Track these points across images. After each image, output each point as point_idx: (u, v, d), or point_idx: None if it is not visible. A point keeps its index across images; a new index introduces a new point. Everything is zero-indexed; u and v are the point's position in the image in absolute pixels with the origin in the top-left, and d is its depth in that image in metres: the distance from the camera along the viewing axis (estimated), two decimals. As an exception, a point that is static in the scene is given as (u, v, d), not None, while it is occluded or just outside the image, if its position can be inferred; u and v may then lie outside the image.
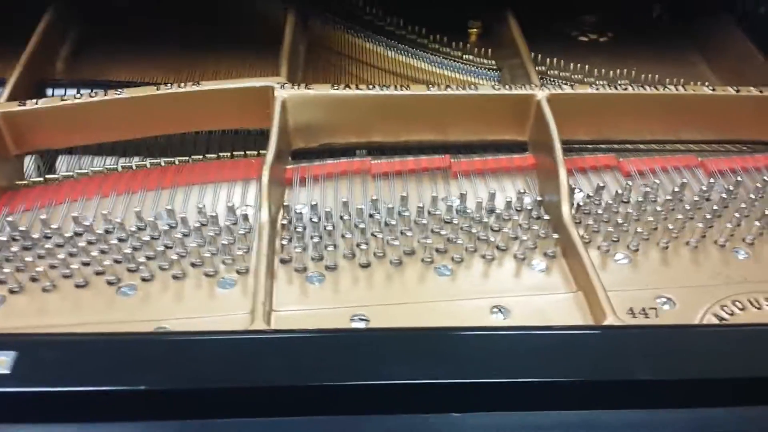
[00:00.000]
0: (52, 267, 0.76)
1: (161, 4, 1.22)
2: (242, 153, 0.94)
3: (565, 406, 0.58)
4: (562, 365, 0.58)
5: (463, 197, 0.86)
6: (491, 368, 0.58)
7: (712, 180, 0.90)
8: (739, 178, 0.90)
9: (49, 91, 1.03)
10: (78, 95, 0.91)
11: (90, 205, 0.85)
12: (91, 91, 0.92)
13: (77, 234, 0.80)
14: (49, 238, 0.79)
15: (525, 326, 0.70)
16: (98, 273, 0.76)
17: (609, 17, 1.30)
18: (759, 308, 0.75)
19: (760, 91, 0.97)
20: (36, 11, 1.09)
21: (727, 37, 1.17)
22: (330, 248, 0.79)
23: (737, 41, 1.15)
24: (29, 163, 0.98)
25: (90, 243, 0.79)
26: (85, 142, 0.94)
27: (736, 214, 0.85)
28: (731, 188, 0.88)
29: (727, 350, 0.60)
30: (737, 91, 0.97)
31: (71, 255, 0.77)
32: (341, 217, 0.83)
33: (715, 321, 0.73)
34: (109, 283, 0.75)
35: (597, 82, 1.13)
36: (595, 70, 1.15)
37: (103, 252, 0.78)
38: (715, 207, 0.86)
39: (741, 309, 0.74)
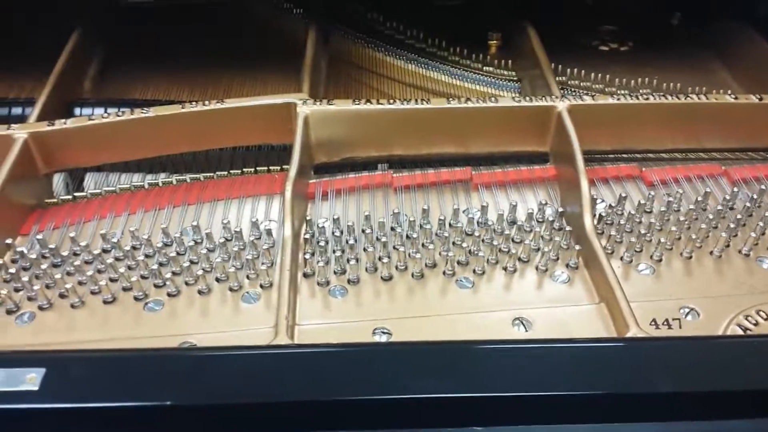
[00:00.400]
0: (81, 283, 0.78)
1: (185, 23, 1.24)
2: (266, 168, 0.96)
3: (588, 419, 0.58)
4: (585, 378, 0.58)
5: (484, 209, 0.86)
6: (513, 382, 0.58)
7: (735, 189, 0.89)
8: (762, 187, 0.89)
9: (77, 110, 1.05)
10: (105, 114, 0.93)
11: (118, 222, 0.87)
12: (118, 110, 0.94)
13: (105, 251, 0.82)
14: (78, 254, 0.81)
15: (547, 339, 0.70)
16: (126, 289, 0.77)
17: (628, 27, 1.29)
18: (785, 318, 0.74)
19: (784, 98, 0.96)
20: (64, 32, 1.12)
21: (746, 43, 1.16)
22: (352, 262, 0.80)
23: (757, 47, 1.14)
24: (58, 180, 1.00)
25: (117, 259, 0.81)
26: (112, 160, 0.96)
27: (761, 223, 0.84)
28: (755, 196, 0.88)
29: (751, 362, 0.60)
30: (760, 99, 0.96)
31: (99, 271, 0.79)
32: (363, 231, 0.83)
33: (740, 331, 0.72)
34: (136, 298, 0.77)
35: (618, 92, 1.13)
36: (616, 79, 1.15)
37: (130, 268, 0.80)
38: (738, 216, 0.85)
39: (766, 319, 0.74)
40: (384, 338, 0.73)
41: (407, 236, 0.84)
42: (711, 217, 0.85)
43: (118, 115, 0.92)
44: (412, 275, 0.80)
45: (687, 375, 0.59)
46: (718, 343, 0.65)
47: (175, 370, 0.59)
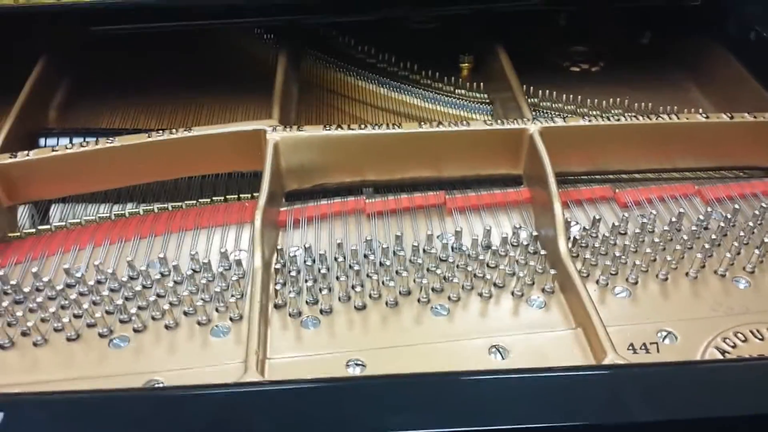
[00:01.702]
0: (44, 321, 0.75)
1: (154, 51, 1.22)
2: (236, 196, 0.94)
3: (567, 451, 0.57)
4: (562, 409, 0.57)
5: (458, 234, 0.85)
6: (491, 415, 0.57)
7: (709, 208, 0.89)
8: (736, 206, 0.89)
9: (42, 141, 1.03)
10: (69, 145, 0.90)
11: (82, 255, 0.84)
12: (83, 140, 0.92)
13: (69, 286, 0.79)
14: (41, 290, 0.79)
15: (523, 369, 0.68)
16: (90, 325, 0.75)
17: (599, 47, 1.30)
18: (762, 339, 0.73)
19: (755, 117, 0.97)
20: (28, 61, 1.10)
21: (717, 61, 1.17)
22: (325, 291, 0.78)
23: (728, 65, 1.14)
24: (23, 212, 0.98)
25: (82, 294, 0.78)
26: (77, 192, 0.94)
27: (735, 243, 0.84)
28: (729, 216, 0.87)
29: (730, 387, 0.59)
30: (731, 117, 0.96)
31: (63, 308, 0.77)
32: (335, 259, 0.82)
33: (718, 354, 0.71)
34: (101, 335, 0.74)
35: (590, 112, 1.13)
36: (588, 100, 1.15)
37: (95, 303, 0.77)
38: (713, 236, 0.85)
39: (743, 341, 0.73)
40: (358, 370, 0.71)
41: (381, 263, 0.82)
42: (686, 237, 0.85)
43: (83, 146, 0.89)
44: (386, 304, 0.78)
45: (666, 403, 0.58)
46: (696, 369, 0.64)
47: (140, 413, 0.57)
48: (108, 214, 0.91)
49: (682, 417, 0.57)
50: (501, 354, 0.73)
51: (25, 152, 0.89)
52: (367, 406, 0.58)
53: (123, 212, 0.91)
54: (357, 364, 0.71)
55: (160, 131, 0.92)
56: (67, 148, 0.90)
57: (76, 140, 0.94)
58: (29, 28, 1.13)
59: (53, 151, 0.89)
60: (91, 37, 1.15)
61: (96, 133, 1.01)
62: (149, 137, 0.91)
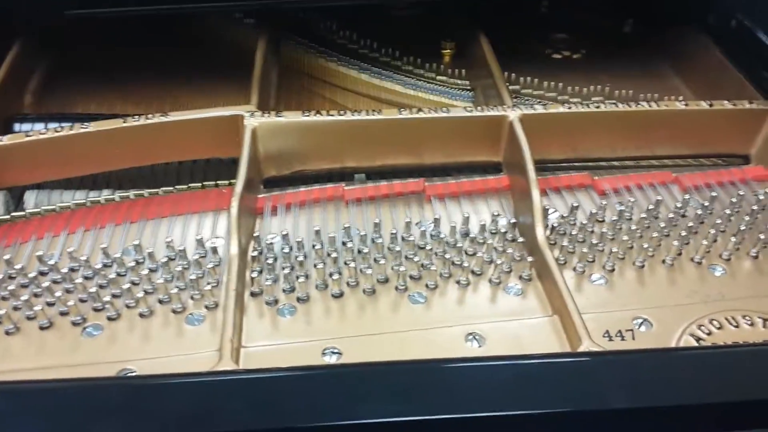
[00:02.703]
0: (16, 309, 0.74)
1: (130, 36, 1.21)
2: (213, 183, 0.93)
3: (541, 438, 0.57)
4: (537, 396, 0.57)
5: (436, 222, 0.85)
6: (467, 403, 0.57)
7: (687, 196, 0.89)
8: (714, 194, 0.89)
9: (17, 126, 1.01)
10: (44, 130, 0.89)
11: (56, 242, 0.83)
12: (58, 125, 0.91)
13: (41, 273, 0.78)
14: (13, 278, 0.78)
15: (499, 356, 0.68)
16: (63, 313, 0.74)
17: (581, 34, 1.30)
18: (737, 326, 0.74)
19: (734, 104, 0.97)
20: (2, 45, 1.08)
21: (699, 50, 1.17)
22: (302, 279, 0.78)
23: (709, 54, 1.14)
24: (-3, 199, 0.96)
25: (55, 282, 0.77)
26: (53, 178, 0.92)
27: (712, 230, 0.84)
28: (706, 204, 0.88)
29: (705, 375, 0.59)
30: (710, 105, 0.96)
31: (35, 295, 0.76)
32: (313, 246, 0.81)
33: (693, 341, 0.72)
34: (74, 323, 0.73)
35: (571, 100, 1.13)
36: (569, 87, 1.14)
37: (68, 291, 0.76)
38: (690, 224, 0.85)
39: (718, 328, 0.73)
40: (334, 358, 0.71)
41: (359, 251, 0.82)
42: (663, 225, 0.85)
43: (57, 131, 0.88)
44: (364, 291, 0.78)
45: (641, 390, 0.58)
46: (671, 356, 0.64)
47: (112, 401, 0.56)
48: (84, 201, 0.90)
49: (657, 404, 0.57)
50: (478, 341, 0.73)
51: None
52: (342, 394, 0.57)
53: (99, 199, 0.90)
54: (333, 353, 0.71)
55: (136, 117, 0.90)
56: (41, 134, 0.89)
57: (51, 125, 0.93)
58: (4, 12, 1.11)
59: (27, 136, 0.88)
60: (66, 20, 1.13)
61: (71, 118, 0.99)
62: (125, 122, 0.90)
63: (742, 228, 0.84)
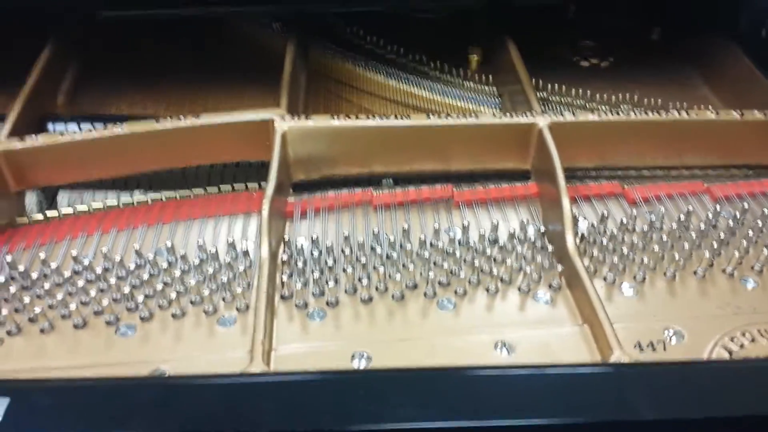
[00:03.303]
0: (51, 307, 0.75)
1: (162, 38, 1.22)
2: (243, 185, 0.94)
3: (572, 448, 0.57)
4: (566, 406, 0.57)
5: (465, 228, 0.85)
6: (496, 410, 0.57)
7: (718, 207, 0.89)
8: (746, 205, 0.88)
9: (50, 126, 1.03)
10: (77, 131, 0.90)
11: (90, 242, 0.85)
12: (91, 126, 0.92)
13: (76, 273, 0.79)
14: (48, 277, 0.79)
15: (529, 365, 0.68)
16: (97, 313, 0.75)
17: (609, 42, 1.29)
18: (769, 339, 0.73)
19: (765, 114, 0.96)
20: (36, 46, 1.09)
21: (728, 58, 1.17)
22: (331, 283, 0.78)
23: (739, 63, 1.14)
24: (31, 199, 0.98)
25: (89, 282, 0.78)
26: (85, 178, 0.94)
27: (744, 242, 0.83)
28: (738, 215, 0.87)
29: (736, 387, 0.59)
30: (741, 115, 0.96)
31: (70, 294, 0.77)
32: (342, 251, 0.82)
33: (725, 353, 0.71)
34: (108, 323, 0.74)
35: (599, 107, 1.12)
36: (597, 95, 1.14)
37: (102, 291, 0.77)
38: (722, 235, 0.84)
39: (751, 340, 0.73)
40: (363, 363, 0.71)
41: (387, 256, 0.82)
42: (694, 235, 0.84)
43: (91, 131, 0.89)
44: (392, 297, 0.78)
45: (670, 401, 0.58)
46: (703, 368, 0.64)
47: (145, 400, 0.57)
48: (116, 202, 0.91)
49: (688, 416, 0.57)
50: (507, 349, 0.72)
51: (33, 137, 0.89)
52: (371, 398, 0.58)
53: (131, 200, 0.91)
54: (362, 357, 0.71)
55: (168, 118, 0.91)
56: (75, 134, 0.90)
57: (84, 126, 0.94)
58: (38, 13, 1.13)
59: (61, 136, 0.89)
60: (101, 22, 1.15)
61: (104, 119, 1.01)
62: (157, 124, 0.90)
63: (775, 240, 0.83)
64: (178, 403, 0.58)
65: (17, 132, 0.92)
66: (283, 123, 0.92)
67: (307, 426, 0.56)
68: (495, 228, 0.85)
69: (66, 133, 0.90)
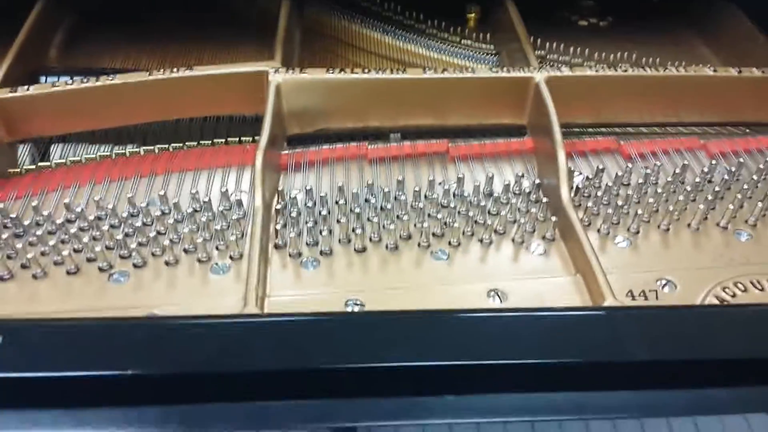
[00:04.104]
0: (43, 254, 0.75)
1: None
2: (237, 139, 0.93)
3: (563, 388, 0.57)
4: (558, 347, 0.57)
5: (460, 181, 0.85)
6: (486, 350, 0.57)
7: (714, 162, 0.89)
8: (741, 160, 0.88)
9: (43, 79, 1.02)
10: (69, 81, 0.89)
11: (82, 192, 0.84)
12: (84, 77, 0.91)
13: (69, 221, 0.79)
14: (41, 224, 0.78)
15: (520, 308, 0.69)
16: (90, 260, 0.75)
17: (608, 1, 1.28)
18: (761, 289, 0.73)
19: (763, 72, 0.96)
20: (29, -1, 1.08)
21: (727, 18, 1.16)
22: (325, 233, 0.78)
23: (738, 22, 1.13)
24: (23, 151, 0.97)
25: (82, 230, 0.78)
26: (77, 129, 0.93)
27: (738, 196, 0.83)
28: (733, 170, 0.87)
29: (725, 331, 0.59)
30: (739, 72, 0.95)
31: (63, 242, 0.76)
32: (336, 202, 0.81)
33: (717, 302, 0.71)
34: (101, 269, 0.74)
35: (597, 66, 1.11)
36: (595, 54, 1.13)
37: (94, 239, 0.77)
38: (717, 189, 0.84)
39: (743, 291, 0.73)
40: (356, 309, 0.71)
41: (382, 208, 0.82)
42: (689, 189, 0.84)
43: (83, 82, 0.88)
44: (386, 247, 0.78)
45: (661, 343, 0.58)
46: (692, 312, 0.64)
47: (137, 339, 0.57)
48: (108, 153, 0.90)
49: (679, 358, 0.57)
50: (500, 297, 0.73)
51: (25, 87, 0.88)
52: (364, 339, 0.58)
53: (123, 152, 0.91)
54: (356, 304, 0.71)
55: (162, 70, 0.90)
56: (67, 85, 0.89)
57: (77, 78, 0.93)
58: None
59: (53, 86, 0.88)
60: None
61: (97, 72, 0.98)
62: (150, 75, 0.90)
63: (769, 194, 0.83)
64: (170, 343, 0.57)
65: (8, 85, 0.91)
66: (278, 75, 0.91)
67: (301, 364, 0.56)
68: (490, 181, 0.85)
69: (58, 83, 0.89)
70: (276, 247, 0.78)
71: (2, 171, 0.88)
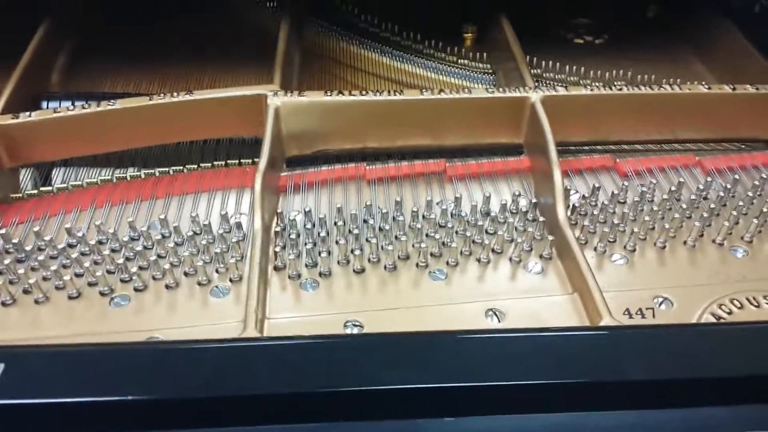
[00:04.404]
0: (45, 279, 0.76)
1: (157, 17, 1.22)
2: (236, 161, 0.94)
3: (560, 409, 0.58)
4: (556, 367, 0.58)
5: (458, 200, 0.85)
6: (484, 372, 0.57)
7: (709, 178, 0.89)
8: (736, 177, 0.89)
9: (45, 104, 1.03)
10: (71, 107, 0.91)
11: (84, 217, 0.85)
12: (85, 102, 0.92)
13: (70, 245, 0.80)
14: (43, 249, 0.79)
15: (519, 328, 0.69)
16: (91, 284, 0.75)
17: (604, 19, 1.29)
18: (758, 306, 0.74)
19: (757, 89, 0.96)
20: (31, 24, 1.09)
21: (722, 35, 1.17)
22: (324, 255, 0.79)
23: (733, 39, 1.14)
24: (25, 175, 0.98)
25: (83, 254, 0.79)
26: (79, 154, 0.94)
27: (734, 213, 0.84)
28: (729, 186, 0.88)
29: (723, 349, 0.59)
30: (733, 89, 0.96)
31: (64, 266, 0.77)
32: (335, 223, 0.82)
33: (713, 320, 0.72)
34: (102, 294, 0.75)
35: (593, 84, 1.13)
36: (591, 71, 1.14)
37: (96, 263, 0.78)
38: (712, 205, 0.85)
39: (739, 307, 0.73)
40: (356, 331, 0.71)
41: (380, 228, 0.82)
42: (684, 206, 0.85)
43: (84, 108, 0.90)
44: (385, 267, 0.79)
45: (658, 363, 0.58)
46: (689, 331, 0.65)
47: (138, 364, 0.58)
48: (109, 177, 0.91)
49: (676, 377, 0.58)
50: (497, 317, 0.73)
51: (27, 113, 0.89)
52: (363, 362, 0.58)
53: (124, 176, 0.92)
54: (355, 325, 0.72)
55: (162, 95, 0.92)
56: (68, 110, 0.90)
57: (78, 103, 0.94)
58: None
59: (55, 112, 0.89)
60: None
61: (98, 97, 1.00)
62: (150, 100, 0.91)
63: (765, 210, 0.83)
64: (170, 368, 0.58)
65: (11, 110, 0.92)
66: (276, 98, 0.92)
67: (299, 388, 0.56)
68: (487, 200, 0.86)
69: (60, 108, 0.91)
70: (275, 269, 0.78)
71: (4, 196, 0.89)
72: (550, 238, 0.80)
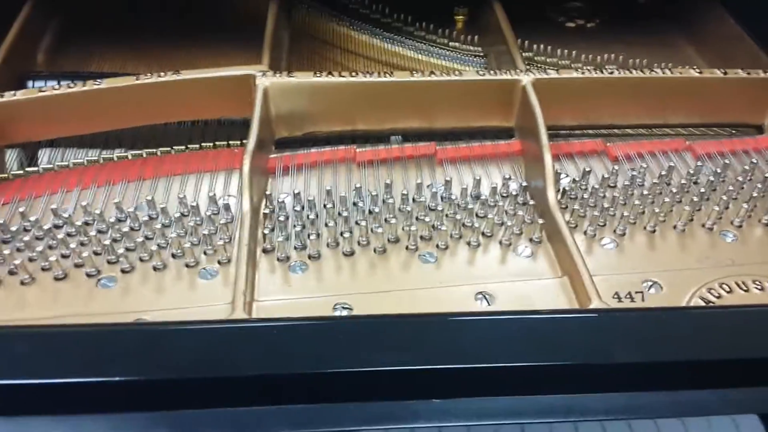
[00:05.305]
0: (31, 260, 0.75)
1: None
2: (225, 143, 0.93)
3: (549, 391, 0.58)
4: (545, 350, 0.58)
5: (448, 184, 0.85)
6: (472, 354, 0.57)
7: (699, 163, 0.89)
8: (726, 161, 0.89)
9: (30, 84, 1.01)
10: (56, 86, 0.89)
11: (70, 197, 0.84)
12: (71, 82, 0.91)
13: (56, 226, 0.79)
14: (28, 230, 0.78)
15: (508, 311, 0.69)
16: (78, 265, 0.75)
17: (596, 3, 1.29)
18: (746, 290, 0.74)
19: (748, 74, 0.96)
20: (16, 3, 1.07)
21: (713, 20, 1.16)
22: (313, 237, 0.78)
23: (724, 24, 1.14)
24: (11, 156, 0.97)
25: (69, 235, 0.78)
26: (65, 134, 0.93)
27: (724, 197, 0.84)
28: (719, 171, 0.88)
29: (711, 332, 0.60)
30: (724, 73, 0.96)
31: (50, 247, 0.76)
32: (324, 206, 0.82)
33: (702, 304, 0.72)
34: (89, 275, 0.74)
35: (584, 68, 1.12)
36: (583, 55, 1.14)
37: (82, 244, 0.77)
38: (702, 190, 0.85)
39: (728, 292, 0.74)
40: (345, 313, 0.71)
41: (370, 211, 0.82)
42: (675, 191, 0.85)
43: (70, 87, 0.88)
44: (375, 250, 0.79)
45: (647, 345, 0.58)
46: (678, 314, 0.65)
47: (125, 346, 0.57)
48: (96, 158, 0.90)
49: (664, 360, 0.58)
50: (487, 300, 0.73)
51: (12, 93, 0.88)
52: (352, 343, 0.58)
53: (111, 156, 0.90)
54: (344, 308, 0.72)
55: (149, 74, 0.90)
56: (54, 89, 0.89)
57: (64, 82, 0.93)
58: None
59: (40, 91, 0.88)
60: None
61: (84, 77, 0.98)
62: (137, 80, 0.89)
63: (755, 195, 0.84)
64: (158, 350, 0.57)
65: (-4, 88, 0.91)
66: (265, 79, 0.91)
67: (287, 369, 0.56)
68: (477, 183, 0.86)
69: (45, 88, 0.89)
70: (264, 251, 0.78)
71: (-11, 176, 0.88)
72: (540, 221, 0.80)
